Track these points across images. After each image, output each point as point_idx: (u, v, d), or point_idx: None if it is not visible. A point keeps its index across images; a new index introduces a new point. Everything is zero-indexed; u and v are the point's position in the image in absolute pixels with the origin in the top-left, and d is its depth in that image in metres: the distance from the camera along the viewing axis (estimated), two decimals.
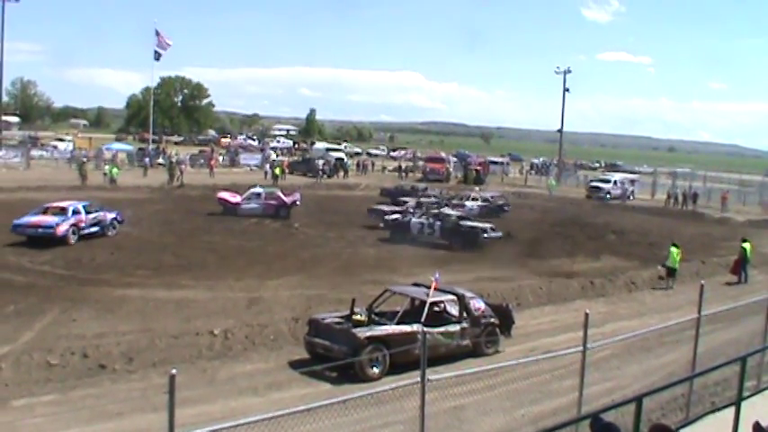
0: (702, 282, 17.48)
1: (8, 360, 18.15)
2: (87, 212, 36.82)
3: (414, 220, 40.61)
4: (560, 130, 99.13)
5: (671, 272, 32.50)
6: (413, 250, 37.70)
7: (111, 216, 38.31)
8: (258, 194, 48.77)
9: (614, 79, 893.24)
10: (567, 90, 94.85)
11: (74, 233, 35.34)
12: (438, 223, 40.23)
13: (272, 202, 48.05)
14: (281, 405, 13.76)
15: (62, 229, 34.65)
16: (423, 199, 46.94)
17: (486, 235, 39.60)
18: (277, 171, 70.24)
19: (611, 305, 28.74)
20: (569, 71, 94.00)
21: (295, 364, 19.53)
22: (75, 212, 36.09)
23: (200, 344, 20.31)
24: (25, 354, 18.62)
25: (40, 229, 34.32)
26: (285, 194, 49.45)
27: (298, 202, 49.25)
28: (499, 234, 40.56)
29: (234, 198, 47.99)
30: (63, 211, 35.90)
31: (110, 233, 37.64)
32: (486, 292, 25.90)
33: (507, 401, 14.93)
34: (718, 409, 12.63)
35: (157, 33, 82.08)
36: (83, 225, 36.14)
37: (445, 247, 38.97)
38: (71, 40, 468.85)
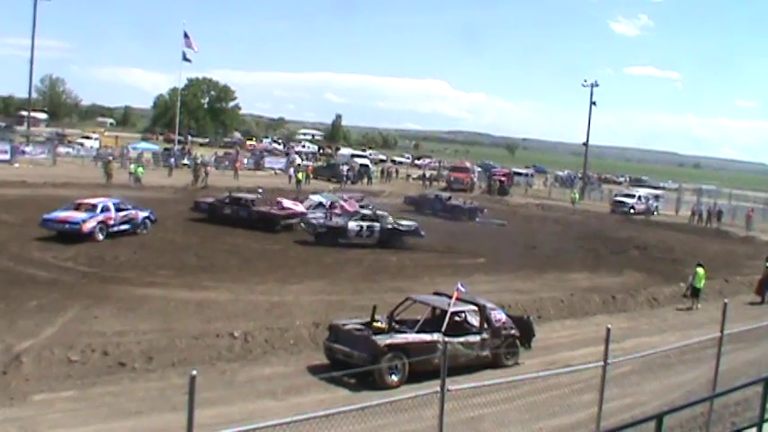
0: (726, 300, 17.39)
1: (29, 355, 18.24)
2: (118, 210, 36.76)
3: (351, 223, 40.42)
4: (586, 144, 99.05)
5: (695, 292, 32.22)
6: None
7: (143, 215, 38.29)
8: (322, 204, 48.32)
9: (641, 94, 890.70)
10: (594, 103, 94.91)
11: (101, 230, 35.32)
12: (377, 225, 40.19)
13: (335, 211, 48.00)
14: (299, 409, 13.83)
15: (88, 225, 34.70)
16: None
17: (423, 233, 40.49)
18: (300, 176, 70.29)
19: (632, 321, 28.63)
20: (596, 84, 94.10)
21: (314, 369, 19.56)
22: (105, 210, 36.07)
23: (220, 345, 20.36)
24: (46, 349, 18.72)
25: (67, 225, 34.44)
26: (345, 202, 49.53)
27: (359, 212, 49.18)
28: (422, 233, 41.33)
29: (299, 207, 47.11)
30: (93, 207, 35.99)
31: (142, 231, 37.66)
32: (507, 303, 25.88)
33: (526, 414, 14.91)
34: (739, 430, 12.56)
35: (186, 35, 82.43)
36: (111, 223, 36.08)
37: (386, 246, 39.52)
38: (100, 39, 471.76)
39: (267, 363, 20.06)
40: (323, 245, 38.64)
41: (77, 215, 35.09)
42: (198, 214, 43.97)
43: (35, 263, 29.53)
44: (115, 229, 36.11)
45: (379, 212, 42.43)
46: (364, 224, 40.26)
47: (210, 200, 45.94)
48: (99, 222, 35.31)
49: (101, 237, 35.16)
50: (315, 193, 52.91)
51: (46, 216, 34.98)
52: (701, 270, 32.29)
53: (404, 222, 41.92)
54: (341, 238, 39.69)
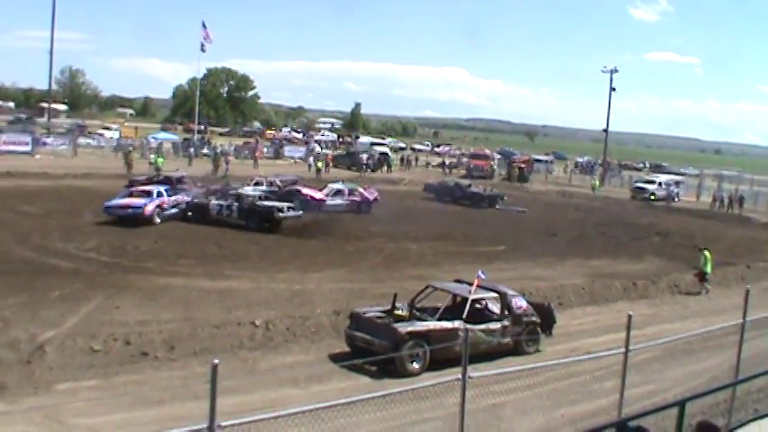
0: (748, 286, 17.33)
1: (53, 344, 18.35)
2: (168, 195, 39.60)
3: (213, 201, 40.26)
4: (606, 130, 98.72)
5: (703, 276, 32.07)
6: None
7: (187, 199, 40.77)
8: (341, 191, 48.67)
9: (661, 79, 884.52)
10: (614, 89, 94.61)
11: (158, 214, 37.93)
12: (236, 204, 39.69)
13: (356, 198, 48.19)
14: (321, 397, 13.86)
15: (149, 209, 37.61)
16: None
17: (282, 214, 39.09)
18: (319, 165, 70.38)
19: (653, 307, 28.51)
20: (616, 70, 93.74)
21: (335, 357, 19.60)
22: (159, 195, 38.91)
23: (242, 334, 20.41)
24: (69, 339, 18.82)
25: (130, 210, 37.17)
26: (365, 190, 49.68)
27: (378, 199, 49.41)
28: (299, 213, 40.47)
29: (318, 194, 47.62)
30: (149, 193, 38.83)
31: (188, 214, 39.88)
32: (528, 290, 25.83)
33: (547, 401, 14.91)
34: (762, 417, 12.50)
35: (204, 25, 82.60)
36: (165, 206, 38.74)
37: (242, 227, 38.52)
38: (119, 30, 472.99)
39: (289, 351, 20.10)
40: (192, 222, 39.14)
41: (138, 200, 37.71)
42: None
43: (57, 253, 29.68)
44: (167, 212, 38.70)
45: (245, 192, 41.84)
46: (224, 203, 39.98)
47: (143, 178, 47.71)
48: (156, 206, 37.97)
49: (158, 220, 37.81)
50: (335, 181, 52.85)
51: (108, 203, 37.70)
52: (707, 254, 32.19)
53: (272, 204, 40.27)
54: (206, 215, 39.67)
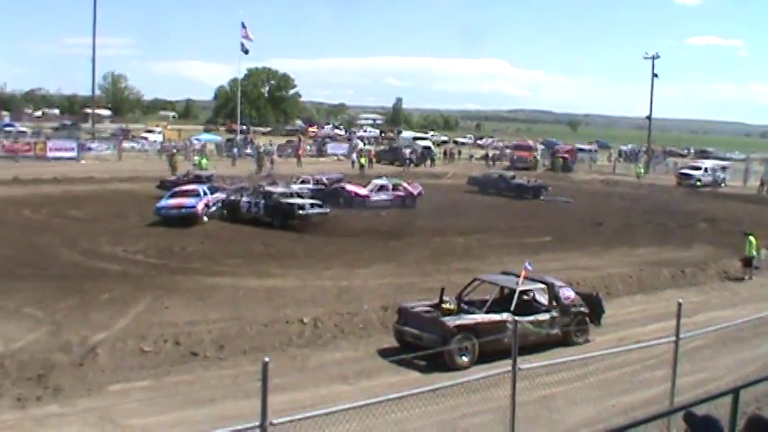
0: None
1: (104, 346, 18.55)
2: (211, 193, 40.56)
3: (243, 199, 40.45)
4: (649, 117, 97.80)
5: (749, 261, 31.72)
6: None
7: (224, 197, 41.53)
8: (385, 186, 48.73)
9: (704, 64, 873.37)
10: (656, 76, 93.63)
11: (205, 213, 38.88)
12: (262, 201, 39.70)
13: (400, 193, 48.26)
14: (371, 393, 13.88)
15: (200, 208, 38.60)
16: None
17: (303, 211, 38.73)
18: (363, 161, 70.45)
19: (702, 295, 28.21)
20: (658, 56, 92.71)
21: (384, 353, 19.61)
22: (205, 194, 39.83)
23: (290, 332, 20.51)
24: (120, 340, 19.03)
25: (183, 210, 38.10)
26: (409, 185, 49.75)
27: (422, 193, 49.42)
28: (324, 211, 40.11)
29: (362, 190, 47.84)
30: (196, 193, 39.96)
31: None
32: (575, 280, 25.74)
33: (597, 391, 14.83)
34: None
35: (244, 26, 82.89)
36: (210, 204, 39.63)
37: (268, 224, 38.71)
38: (160, 34, 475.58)
39: (337, 347, 20.16)
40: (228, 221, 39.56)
41: (188, 200, 38.58)
42: None
43: (106, 256, 29.99)
44: (210, 210, 39.62)
45: (271, 189, 41.81)
46: (253, 200, 40.20)
47: (173, 178, 49.18)
48: (205, 205, 38.87)
49: (206, 219, 38.60)
50: (378, 177, 52.90)
51: (159, 204, 38.64)
52: (752, 239, 31.81)
53: (295, 201, 40.02)
54: (237, 213, 39.99)
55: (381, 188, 48.24)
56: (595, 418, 14.29)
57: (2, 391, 16.04)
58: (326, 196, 45.93)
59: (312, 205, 39.78)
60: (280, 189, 42.21)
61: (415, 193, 48.83)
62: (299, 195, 41.83)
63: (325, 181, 49.33)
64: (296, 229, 37.51)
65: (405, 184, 49.66)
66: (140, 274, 27.08)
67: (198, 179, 47.22)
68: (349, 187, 47.92)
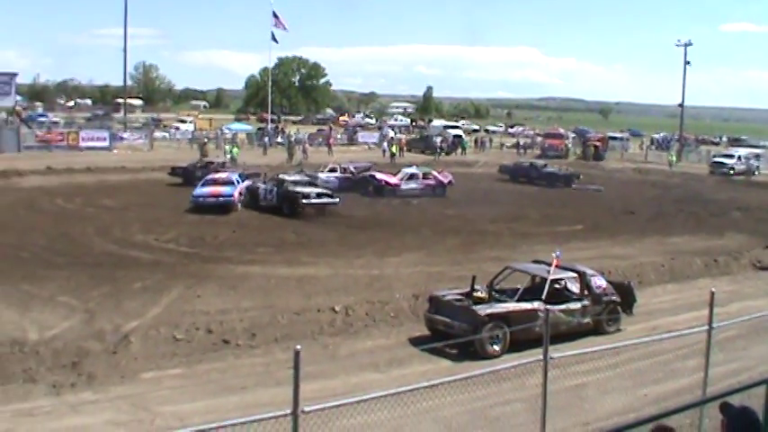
0: None
1: (137, 334, 18.69)
2: (242, 181, 41.31)
3: (261, 186, 40.81)
4: (681, 105, 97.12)
5: None
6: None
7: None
8: (415, 175, 48.70)
9: (737, 51, 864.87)
10: (688, 63, 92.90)
11: (239, 200, 39.54)
12: (275, 189, 39.87)
13: (430, 182, 48.28)
14: (402, 381, 13.95)
15: (236, 196, 39.34)
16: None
17: (306, 200, 38.67)
18: (393, 149, 70.40)
19: (735, 284, 27.97)
20: (690, 44, 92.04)
21: (415, 341, 19.63)
22: (238, 182, 40.56)
23: (322, 320, 20.55)
24: (153, 328, 19.15)
25: (221, 198, 38.71)
26: (439, 173, 49.76)
27: (452, 182, 49.41)
28: (333, 201, 39.83)
29: (392, 179, 47.82)
30: (231, 181, 40.68)
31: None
32: (606, 269, 25.61)
33: (629, 381, 14.80)
34: None
35: (275, 15, 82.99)
36: (242, 192, 40.24)
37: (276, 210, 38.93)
38: (190, 24, 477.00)
39: (369, 336, 20.19)
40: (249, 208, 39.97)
41: (224, 189, 39.28)
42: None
43: (138, 245, 30.19)
44: (242, 198, 40.09)
45: (285, 177, 42.01)
46: (267, 187, 40.45)
47: (185, 165, 50.17)
48: (239, 193, 39.47)
49: (239, 206, 39.17)
50: (408, 166, 52.89)
51: (195, 193, 39.13)
52: None
53: (300, 190, 39.75)
54: (257, 200, 40.38)
55: (411, 177, 48.22)
56: (627, 408, 14.23)
57: (37, 378, 16.22)
58: (354, 185, 46.06)
59: (318, 194, 39.70)
60: (292, 177, 42.44)
61: (445, 181, 48.77)
62: (313, 184, 41.86)
63: (353, 170, 49.37)
64: (302, 217, 37.85)
65: (435, 173, 49.64)
66: (172, 263, 27.26)
67: (208, 165, 48.83)
68: (379, 176, 47.95)
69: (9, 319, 19.94)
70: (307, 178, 43.25)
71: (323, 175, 45.91)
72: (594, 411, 14.26)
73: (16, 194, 42.55)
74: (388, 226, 36.58)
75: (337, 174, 47.92)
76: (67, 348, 17.64)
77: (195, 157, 54.73)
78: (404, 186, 47.11)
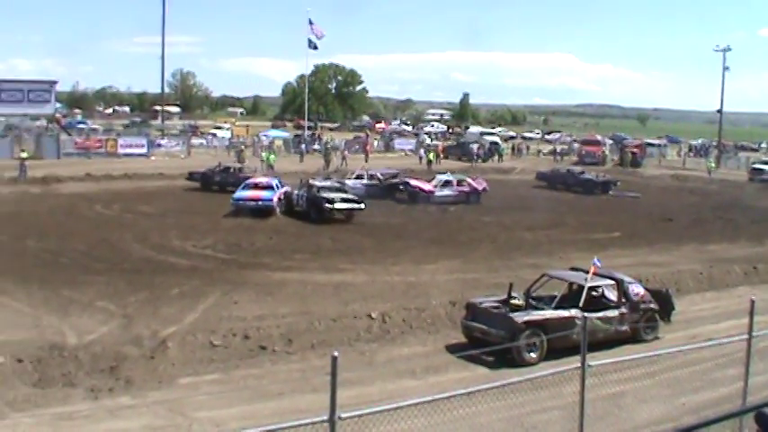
0: None
1: (174, 340, 18.80)
2: (282, 187, 41.52)
3: (295, 192, 40.97)
4: (720, 111, 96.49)
5: None
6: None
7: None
8: (450, 182, 48.61)
9: None
10: (727, 69, 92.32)
11: (278, 204, 39.76)
12: (305, 194, 40.05)
13: (464, 188, 48.23)
14: (439, 388, 13.91)
15: (275, 200, 39.65)
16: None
17: (329, 205, 38.46)
18: (431, 156, 70.32)
19: None
20: (729, 49, 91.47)
21: (452, 348, 19.64)
22: (277, 186, 40.95)
23: (358, 327, 20.61)
24: (190, 334, 19.27)
25: (260, 202, 39.20)
26: (473, 180, 49.72)
27: (487, 189, 49.29)
28: (358, 206, 39.48)
29: (426, 186, 47.78)
30: (270, 186, 41.22)
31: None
32: (644, 277, 25.47)
33: (667, 389, 14.69)
34: None
35: (311, 22, 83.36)
36: (282, 197, 40.49)
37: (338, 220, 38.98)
38: (227, 32, 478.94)
39: (405, 342, 20.21)
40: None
41: (264, 193, 39.73)
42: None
43: (175, 251, 30.35)
44: (281, 202, 40.34)
45: (316, 183, 41.95)
46: (300, 193, 40.64)
47: (203, 170, 50.80)
48: (278, 198, 39.75)
49: (278, 210, 39.41)
50: (442, 172, 52.83)
51: (236, 196, 39.82)
52: None
53: (325, 195, 39.56)
54: (291, 205, 40.73)
55: (446, 183, 48.18)
56: (665, 417, 14.15)
57: (76, 382, 16.40)
58: (381, 191, 46.07)
59: (344, 200, 39.54)
60: (321, 182, 42.55)
61: (480, 188, 48.67)
62: (342, 190, 41.76)
63: (380, 176, 49.31)
64: (330, 222, 37.88)
65: (469, 180, 49.56)
66: (210, 269, 27.38)
67: (226, 170, 49.75)
68: (413, 183, 48.05)
69: (49, 324, 20.14)
70: (336, 184, 43.31)
71: (350, 182, 45.98)
72: (632, 420, 14.17)
73: (56, 201, 42.97)
74: (425, 233, 36.54)
75: (364, 180, 47.95)
76: (106, 353, 17.80)
77: (213, 163, 54.90)
78: (438, 193, 47.06)
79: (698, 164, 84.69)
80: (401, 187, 48.10)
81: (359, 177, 48.74)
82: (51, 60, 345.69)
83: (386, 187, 47.61)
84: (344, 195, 40.27)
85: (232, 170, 50.49)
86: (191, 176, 50.13)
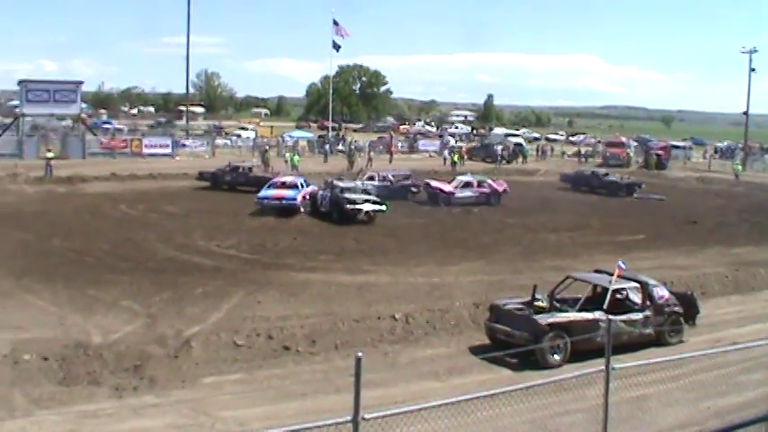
0: None
1: (198, 339, 18.88)
2: (306, 186, 41.98)
3: (320, 192, 41.00)
4: (746, 113, 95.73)
5: None
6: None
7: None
8: (470, 183, 48.60)
9: None
10: (753, 70, 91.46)
11: (303, 204, 40.26)
12: (328, 195, 40.07)
13: (485, 190, 48.16)
14: (462, 390, 13.89)
15: (299, 199, 40.34)
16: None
17: (350, 206, 38.45)
18: (455, 158, 70.21)
19: None
20: (755, 50, 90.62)
21: (475, 350, 19.63)
22: (302, 186, 41.43)
23: (382, 328, 20.63)
24: (214, 334, 19.35)
25: (284, 201, 39.83)
26: (494, 181, 49.65)
27: (507, 190, 49.20)
28: (380, 208, 39.34)
29: (447, 187, 47.75)
30: (295, 185, 41.81)
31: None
32: (669, 279, 25.36)
33: (692, 393, 14.60)
34: None
35: (336, 23, 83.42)
36: (307, 197, 40.81)
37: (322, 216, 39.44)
38: (251, 32, 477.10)
39: (429, 344, 20.23)
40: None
41: (288, 192, 40.24)
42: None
43: (200, 251, 30.47)
44: (306, 202, 40.78)
45: (339, 184, 42.02)
46: (324, 193, 40.67)
47: (213, 170, 51.34)
48: (302, 197, 40.14)
49: (302, 209, 39.82)
50: (463, 174, 52.79)
51: (260, 195, 40.43)
52: None
53: (347, 196, 39.57)
54: (316, 206, 40.70)
55: (466, 185, 48.12)
56: (690, 421, 14.09)
57: (101, 381, 16.53)
58: (392, 193, 46.01)
59: (366, 201, 39.49)
60: (344, 183, 42.73)
61: (500, 189, 48.54)
62: (365, 191, 41.92)
63: (391, 178, 49.21)
64: (350, 223, 37.88)
65: (489, 181, 49.46)
66: (234, 269, 27.47)
67: (235, 170, 50.31)
68: (434, 184, 48.05)
69: (74, 323, 20.29)
70: (360, 185, 43.42)
71: (360, 183, 45.97)
72: (657, 424, 14.09)
73: (81, 200, 43.27)
74: (449, 234, 36.56)
75: (375, 182, 47.83)
76: (130, 352, 17.90)
77: (222, 163, 55.12)
78: (458, 194, 46.99)
79: (723, 166, 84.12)
80: (413, 189, 48.27)
81: (370, 178, 48.63)
82: (77, 61, 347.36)
83: (397, 188, 47.57)
84: (367, 197, 40.27)
85: (241, 169, 50.85)
86: (201, 176, 50.63)
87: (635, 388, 13.00)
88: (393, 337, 20.36)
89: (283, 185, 41.55)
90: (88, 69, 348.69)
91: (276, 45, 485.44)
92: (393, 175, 49.80)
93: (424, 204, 45.94)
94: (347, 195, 39.48)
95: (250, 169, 51.14)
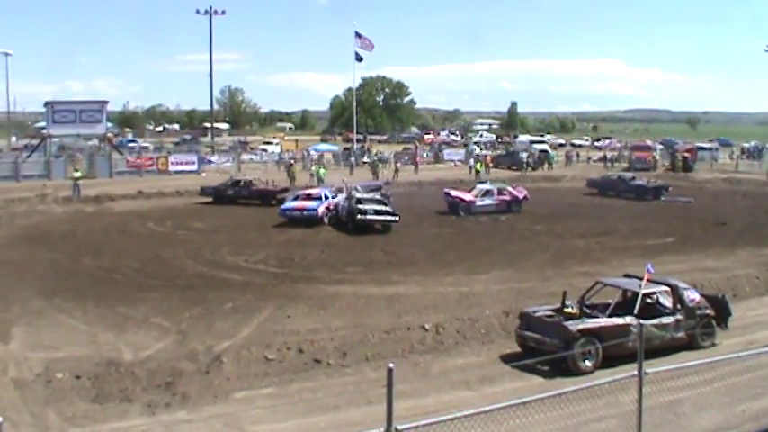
0: None
1: (229, 354, 18.97)
2: (332, 198, 42.32)
3: (341, 204, 41.48)
4: None
5: None
6: None
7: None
8: (490, 191, 48.50)
9: None
10: None
11: (326, 215, 40.44)
12: (345, 204, 40.66)
13: (505, 197, 48.06)
14: (494, 399, 13.87)
15: (321, 210, 40.76)
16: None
17: (361, 216, 38.63)
18: (479, 166, 69.95)
19: None
20: None
21: (506, 358, 19.60)
22: (326, 197, 41.71)
23: (412, 338, 20.65)
24: (244, 348, 19.43)
25: (305, 212, 40.35)
26: (514, 189, 49.53)
27: (528, 197, 49.08)
28: (392, 219, 39.51)
29: (467, 196, 47.67)
30: (317, 197, 42.44)
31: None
32: (699, 282, 25.25)
33: (726, 396, 14.47)
34: None
35: (358, 35, 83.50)
36: (331, 208, 41.05)
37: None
38: (274, 47, 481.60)
39: (459, 353, 20.21)
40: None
41: (310, 203, 40.74)
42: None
43: (228, 266, 30.56)
44: (331, 213, 40.93)
45: (356, 194, 42.17)
46: (344, 204, 41.09)
47: (215, 185, 52.07)
48: (326, 208, 40.47)
49: (326, 221, 40.12)
50: (482, 182, 52.74)
51: (283, 206, 41.60)
52: None
53: (358, 206, 39.52)
54: (338, 215, 41.07)
55: (486, 193, 48.03)
56: (724, 424, 13.97)
57: (133, 398, 16.61)
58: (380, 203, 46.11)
59: (377, 212, 39.51)
60: (361, 194, 42.89)
61: (521, 196, 48.38)
62: (381, 202, 41.71)
63: (359, 189, 48.71)
64: (362, 232, 38.13)
65: (510, 188, 49.32)
66: (262, 284, 27.54)
67: (237, 183, 51.26)
68: (454, 193, 48.07)
69: (105, 341, 20.42)
70: (377, 196, 43.58)
71: (377, 194, 45.90)
72: (691, 428, 14.00)
73: (109, 219, 43.56)
74: (477, 243, 36.53)
75: (344, 194, 47.69)
76: (161, 369, 18.00)
77: (225, 178, 55.50)
78: (479, 203, 46.92)
79: (750, 167, 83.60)
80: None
81: (339, 191, 48.17)
82: (101, 81, 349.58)
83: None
84: (379, 207, 40.25)
85: (242, 183, 51.67)
86: (203, 191, 51.05)
87: (668, 392, 12.93)
88: (424, 347, 20.36)
89: (308, 197, 42.16)
90: (112, 89, 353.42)
91: (298, 59, 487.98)
92: (361, 186, 49.49)
93: (449, 215, 45.86)
94: (360, 206, 39.56)
95: (251, 182, 51.46)
